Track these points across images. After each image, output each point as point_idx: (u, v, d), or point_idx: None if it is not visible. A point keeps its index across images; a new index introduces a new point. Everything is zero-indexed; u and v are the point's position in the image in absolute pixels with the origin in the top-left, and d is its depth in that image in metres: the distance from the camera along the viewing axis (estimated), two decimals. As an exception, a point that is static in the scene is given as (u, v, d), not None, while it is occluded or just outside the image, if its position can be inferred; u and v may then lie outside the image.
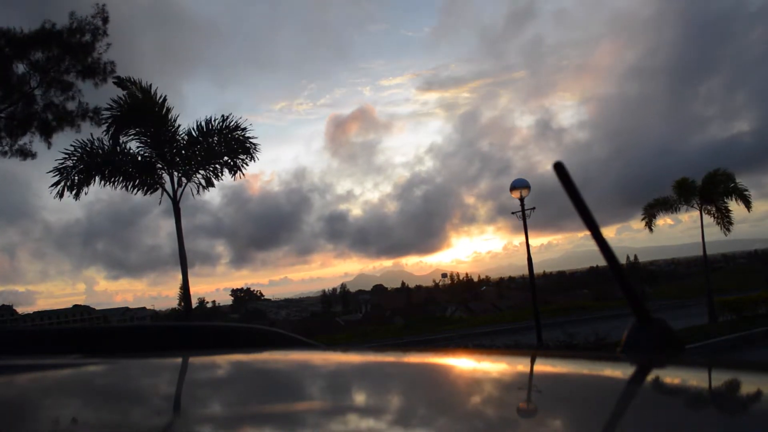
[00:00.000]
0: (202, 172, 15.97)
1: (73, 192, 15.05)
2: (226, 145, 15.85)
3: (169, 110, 15.85)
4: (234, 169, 16.09)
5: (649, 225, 20.13)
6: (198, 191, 16.14)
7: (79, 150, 15.11)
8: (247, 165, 16.13)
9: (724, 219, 19.14)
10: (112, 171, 15.24)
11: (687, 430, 0.51)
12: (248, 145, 16.03)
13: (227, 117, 15.98)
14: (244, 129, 15.99)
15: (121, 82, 15.48)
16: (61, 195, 14.96)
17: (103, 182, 15.31)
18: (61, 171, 14.94)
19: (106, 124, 15.47)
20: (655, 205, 20.07)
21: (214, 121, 15.90)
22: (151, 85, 15.65)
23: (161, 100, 15.71)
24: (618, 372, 0.82)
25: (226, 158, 15.94)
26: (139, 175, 15.62)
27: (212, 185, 16.23)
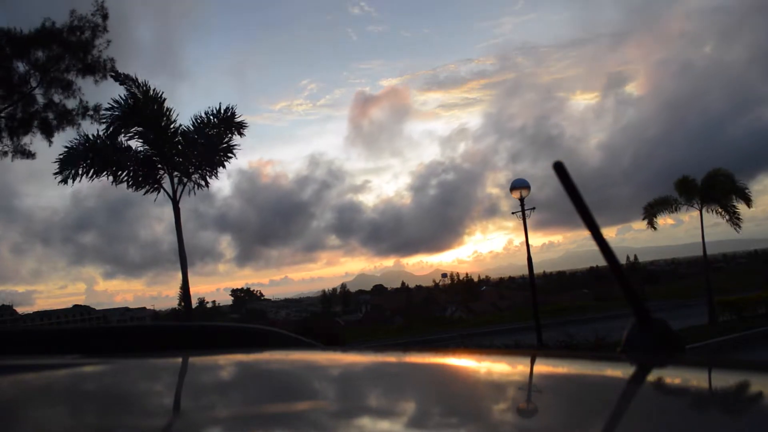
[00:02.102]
0: (200, 171, 16.07)
1: (75, 180, 15.27)
2: (221, 134, 16.06)
3: (168, 109, 15.91)
4: (228, 155, 16.25)
5: (651, 223, 20.13)
6: (195, 190, 16.23)
7: (82, 144, 15.28)
8: (237, 150, 16.32)
9: (733, 217, 19.19)
10: (112, 166, 15.36)
11: (687, 430, 0.51)
12: (237, 122, 16.28)
13: (224, 108, 16.15)
14: (233, 113, 16.25)
15: (118, 77, 15.56)
16: (65, 181, 15.17)
17: (104, 176, 15.43)
18: (65, 161, 15.12)
19: (107, 123, 15.57)
20: (656, 204, 20.11)
21: (209, 114, 16.04)
22: (147, 84, 15.72)
23: (160, 98, 15.76)
24: (618, 372, 0.82)
25: (222, 145, 16.11)
26: (139, 173, 15.69)
27: (208, 185, 16.34)
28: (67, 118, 19.96)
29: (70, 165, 15.19)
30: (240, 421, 0.57)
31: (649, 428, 0.53)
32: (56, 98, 19.88)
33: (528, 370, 0.85)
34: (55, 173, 15.18)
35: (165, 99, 15.86)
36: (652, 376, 0.78)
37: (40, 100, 19.86)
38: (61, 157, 15.29)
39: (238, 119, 16.32)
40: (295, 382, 0.80)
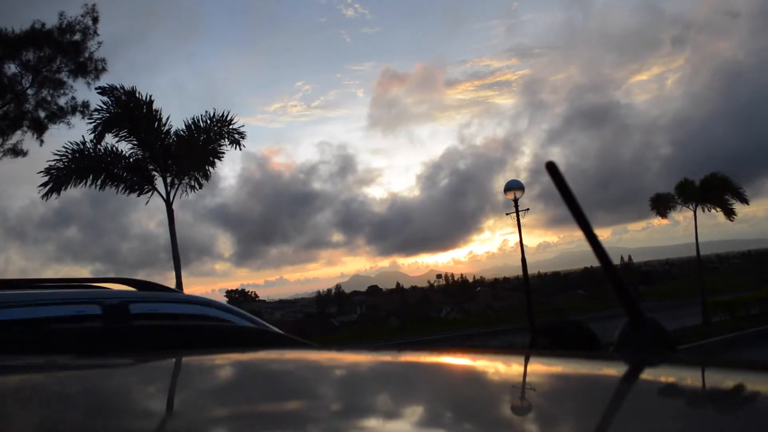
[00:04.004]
0: (191, 173, 16.04)
1: (60, 192, 15.16)
2: (216, 138, 16.07)
3: (157, 111, 15.83)
4: (215, 157, 16.30)
5: (662, 214, 20.25)
6: (188, 192, 16.21)
7: (69, 153, 15.14)
8: (219, 159, 16.37)
9: (728, 213, 19.38)
10: (101, 173, 15.27)
11: (678, 428, 0.52)
12: (236, 136, 16.29)
13: (223, 114, 16.15)
14: (231, 120, 16.22)
15: (104, 91, 15.50)
16: (48, 195, 15.04)
17: (93, 184, 15.34)
18: (50, 173, 14.99)
19: (94, 125, 15.48)
20: (658, 200, 20.27)
21: (204, 118, 16.02)
22: (135, 88, 15.64)
23: (148, 100, 15.69)
24: (610, 371, 0.83)
25: (213, 146, 16.15)
26: (131, 176, 15.62)
27: (201, 186, 16.32)
28: (58, 116, 19.91)
29: (58, 182, 14.99)
30: (236, 421, 0.57)
31: (641, 427, 0.53)
32: (48, 98, 19.84)
33: (521, 369, 0.86)
34: (41, 186, 14.97)
35: (153, 101, 15.81)
36: (644, 375, 0.79)
37: (32, 100, 19.81)
38: (48, 170, 14.96)
39: (236, 126, 16.29)
40: (291, 381, 0.80)
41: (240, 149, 16.52)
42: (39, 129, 19.94)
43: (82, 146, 15.29)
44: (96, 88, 16.03)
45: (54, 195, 15.07)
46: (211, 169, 16.44)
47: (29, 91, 19.76)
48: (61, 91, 19.90)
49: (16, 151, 20.21)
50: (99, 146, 15.39)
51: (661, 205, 20.12)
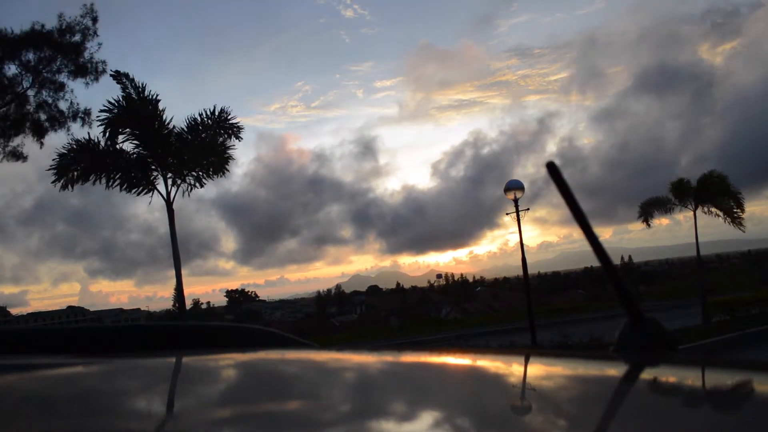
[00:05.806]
0: (194, 173, 16.07)
1: (74, 185, 15.36)
2: (215, 136, 16.14)
3: (162, 111, 15.89)
4: (225, 157, 16.30)
5: (647, 222, 20.25)
6: (189, 191, 16.24)
7: (75, 147, 15.30)
8: (231, 160, 16.39)
9: (735, 219, 19.31)
10: (107, 169, 15.38)
11: (678, 428, 0.52)
12: (234, 129, 16.37)
13: (215, 110, 16.21)
14: (229, 115, 16.34)
15: (116, 76, 15.53)
16: (64, 187, 15.25)
17: (97, 180, 15.44)
18: (60, 167, 15.16)
19: (103, 125, 15.56)
20: (651, 204, 20.22)
21: (203, 116, 16.08)
22: (144, 84, 15.69)
23: (154, 100, 15.73)
24: (610, 371, 0.83)
25: (217, 147, 16.17)
26: (133, 175, 15.67)
27: (203, 185, 16.34)
28: (59, 120, 19.92)
29: (65, 170, 15.24)
30: (235, 421, 0.57)
31: (641, 427, 0.53)
32: (48, 99, 19.86)
33: (521, 369, 0.85)
34: (53, 181, 15.27)
35: (159, 100, 15.84)
36: (644, 375, 0.78)
37: (32, 101, 19.83)
38: (56, 161, 15.34)
39: (233, 121, 16.38)
40: (291, 382, 0.80)
41: (239, 140, 16.63)
42: (39, 132, 19.95)
43: (87, 142, 15.44)
44: (111, 72, 16.08)
45: (60, 185, 15.29)
46: (225, 170, 16.51)
47: (29, 92, 19.80)
48: (61, 94, 19.92)
49: (17, 155, 20.23)
50: (103, 143, 15.52)
51: (649, 213, 20.09)
